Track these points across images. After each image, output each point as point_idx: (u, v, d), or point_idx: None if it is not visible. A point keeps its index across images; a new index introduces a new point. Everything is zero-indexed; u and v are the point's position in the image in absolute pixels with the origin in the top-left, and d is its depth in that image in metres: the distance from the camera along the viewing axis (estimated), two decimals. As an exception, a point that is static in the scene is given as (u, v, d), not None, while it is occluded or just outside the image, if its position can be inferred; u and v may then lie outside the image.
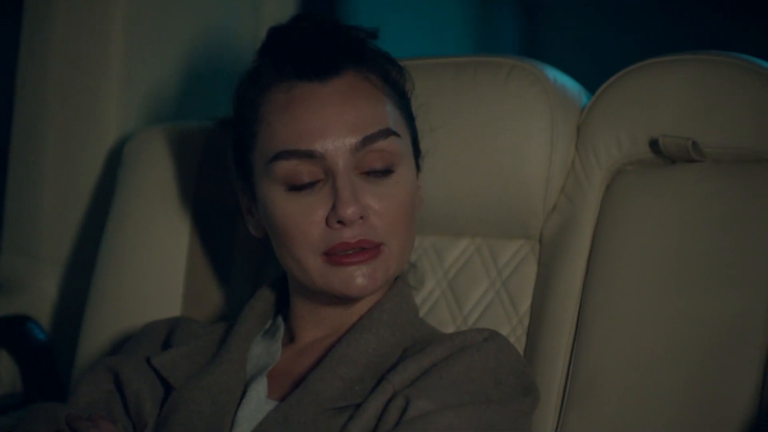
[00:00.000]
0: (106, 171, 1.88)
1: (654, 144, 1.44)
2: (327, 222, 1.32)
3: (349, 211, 1.31)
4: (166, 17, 1.92)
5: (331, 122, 1.33)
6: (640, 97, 1.45)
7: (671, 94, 1.44)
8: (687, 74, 1.43)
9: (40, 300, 1.92)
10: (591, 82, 1.54)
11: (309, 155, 1.32)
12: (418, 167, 1.42)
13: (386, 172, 1.34)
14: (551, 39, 2.55)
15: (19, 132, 1.93)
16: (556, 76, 1.51)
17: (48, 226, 1.92)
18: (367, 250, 1.33)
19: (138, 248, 1.70)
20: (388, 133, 1.35)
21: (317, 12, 1.39)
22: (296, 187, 1.33)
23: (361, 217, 1.32)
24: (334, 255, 1.33)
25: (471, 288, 1.53)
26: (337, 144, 1.32)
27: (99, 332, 1.69)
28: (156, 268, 1.68)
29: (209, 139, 1.71)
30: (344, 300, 1.37)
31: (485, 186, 1.50)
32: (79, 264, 1.90)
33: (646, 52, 1.49)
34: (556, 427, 1.40)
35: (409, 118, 1.41)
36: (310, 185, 1.33)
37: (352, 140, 1.33)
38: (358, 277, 1.33)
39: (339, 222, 1.32)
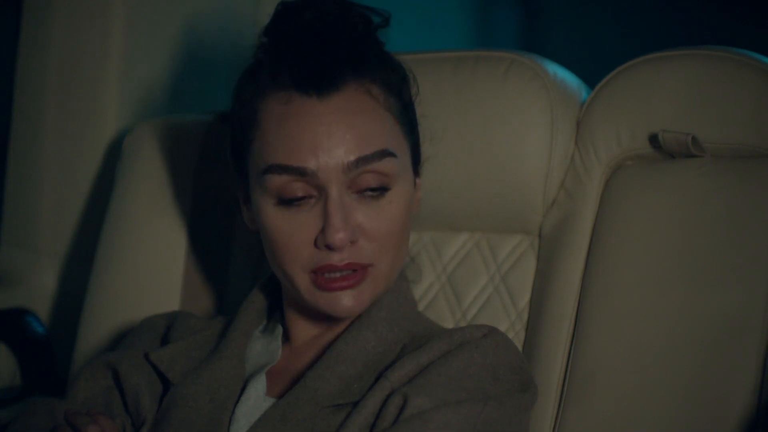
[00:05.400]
0: (105, 164, 1.88)
1: (654, 139, 1.44)
2: (316, 243, 1.31)
3: (337, 238, 1.28)
4: (165, 12, 1.92)
5: (325, 140, 1.29)
6: (640, 92, 1.45)
7: (671, 90, 1.43)
8: (687, 69, 1.43)
9: (39, 293, 1.92)
10: (591, 76, 1.54)
11: (301, 173, 1.29)
12: (417, 173, 1.40)
13: (380, 192, 1.32)
14: (551, 33, 2.54)
15: (18, 125, 1.93)
16: (556, 70, 1.51)
17: (47, 219, 1.92)
18: (354, 273, 1.31)
19: (137, 242, 1.69)
20: (384, 154, 1.31)
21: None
22: (288, 202, 1.31)
23: (351, 241, 1.31)
24: (321, 276, 1.31)
25: (470, 283, 1.53)
26: (330, 162, 1.29)
27: (98, 325, 1.69)
28: (155, 262, 1.68)
29: (208, 133, 1.71)
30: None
31: (485, 181, 1.50)
32: (78, 257, 1.90)
33: (647, 47, 1.49)
34: (555, 423, 1.40)
35: (411, 129, 1.38)
36: (302, 201, 1.31)
37: (346, 159, 1.29)
38: (344, 298, 1.32)
39: (327, 246, 1.30)
